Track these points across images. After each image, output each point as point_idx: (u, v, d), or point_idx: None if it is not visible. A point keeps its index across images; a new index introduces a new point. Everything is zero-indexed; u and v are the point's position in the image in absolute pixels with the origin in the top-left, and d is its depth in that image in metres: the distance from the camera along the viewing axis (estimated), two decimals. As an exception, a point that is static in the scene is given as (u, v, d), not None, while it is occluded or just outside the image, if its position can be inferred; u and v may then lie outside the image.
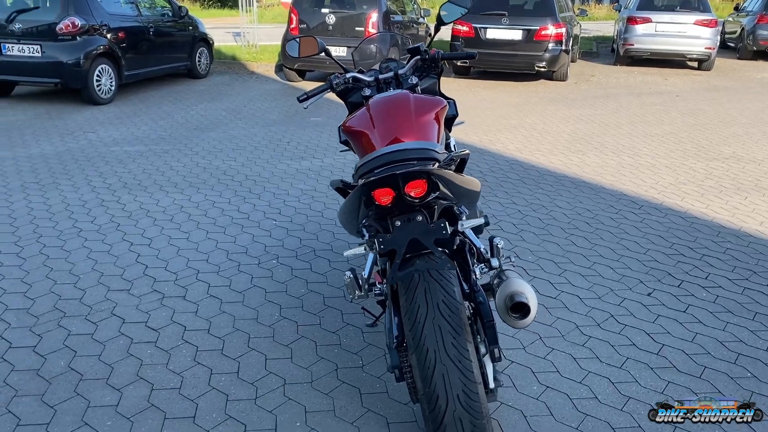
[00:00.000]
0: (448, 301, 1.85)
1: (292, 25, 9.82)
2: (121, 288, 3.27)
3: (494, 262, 2.13)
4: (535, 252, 3.81)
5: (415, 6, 11.88)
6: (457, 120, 3.16)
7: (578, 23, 13.44)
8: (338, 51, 9.45)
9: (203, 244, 3.84)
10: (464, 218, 2.08)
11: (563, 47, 10.20)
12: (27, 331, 2.84)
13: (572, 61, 13.30)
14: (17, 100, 8.29)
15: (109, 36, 8.02)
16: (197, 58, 10.13)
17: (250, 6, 12.82)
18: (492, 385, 2.10)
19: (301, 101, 2.84)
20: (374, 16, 9.50)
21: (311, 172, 5.40)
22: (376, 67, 3.17)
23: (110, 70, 8.08)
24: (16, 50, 7.67)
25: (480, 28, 10.32)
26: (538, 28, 10.09)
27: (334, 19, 9.60)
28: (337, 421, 2.31)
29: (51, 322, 2.92)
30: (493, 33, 10.29)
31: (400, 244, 1.76)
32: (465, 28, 10.41)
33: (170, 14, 9.59)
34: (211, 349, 2.75)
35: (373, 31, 9.50)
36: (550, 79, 10.96)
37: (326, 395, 2.45)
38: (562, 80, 10.88)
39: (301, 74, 10.36)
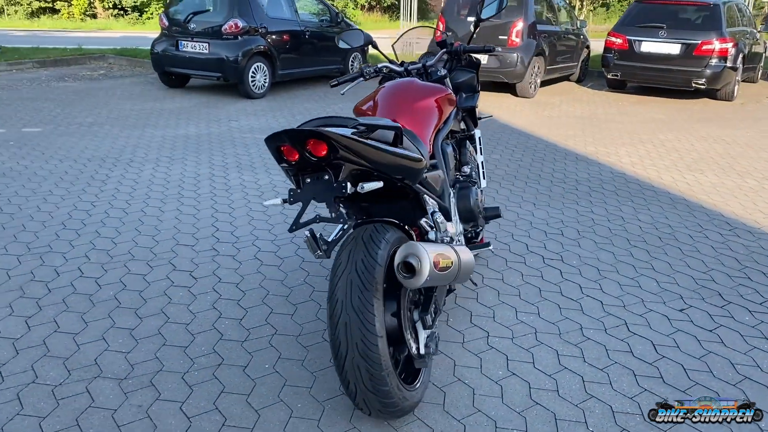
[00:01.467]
0: (366, 260, 2.02)
1: (438, 33, 10.12)
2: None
3: (431, 235, 2.25)
4: (583, 258, 3.73)
5: (572, 16, 11.61)
6: (483, 114, 3.26)
7: (764, 41, 12.23)
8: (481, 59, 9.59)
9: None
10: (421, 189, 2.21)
11: (728, 64, 9.41)
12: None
13: (752, 81, 12.16)
14: (189, 90, 9.49)
15: (267, 37, 8.90)
16: (350, 62, 10.81)
17: (410, 20, 13.35)
18: (422, 351, 2.21)
19: (332, 87, 3.11)
20: (519, 25, 9.50)
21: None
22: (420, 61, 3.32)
23: (265, 67, 8.95)
24: (189, 47, 8.81)
25: (634, 40, 9.87)
26: (699, 42, 9.42)
27: (478, 27, 9.74)
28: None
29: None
30: (648, 46, 9.78)
31: (305, 198, 1.95)
32: (619, 41, 10.02)
33: (328, 19, 10.36)
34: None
35: (517, 40, 9.50)
36: (714, 98, 10.15)
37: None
38: (728, 100, 10.03)
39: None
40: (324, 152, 1.82)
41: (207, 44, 8.67)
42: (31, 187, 4.72)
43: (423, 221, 2.28)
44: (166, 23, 9.23)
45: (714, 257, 3.79)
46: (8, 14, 22.80)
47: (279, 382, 2.46)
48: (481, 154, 3.32)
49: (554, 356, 2.70)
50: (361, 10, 31.35)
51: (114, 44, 14.50)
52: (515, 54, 9.48)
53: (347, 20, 11.09)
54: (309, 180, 1.92)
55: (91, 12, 23.89)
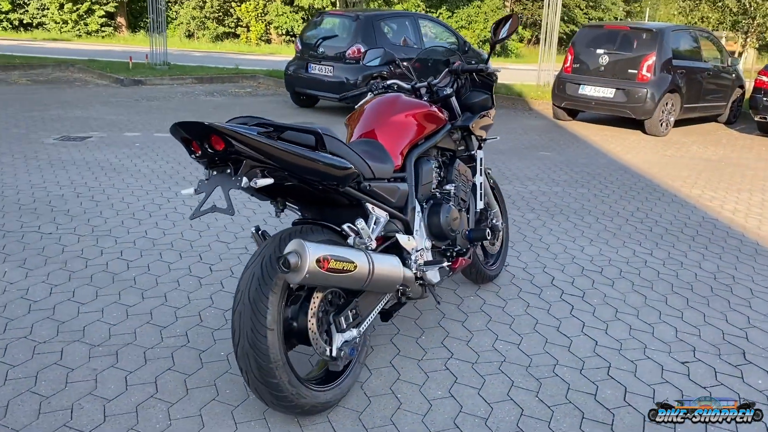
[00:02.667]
0: (273, 256, 2.12)
1: (566, 65, 9.87)
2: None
3: (350, 240, 2.29)
4: (607, 298, 3.50)
5: (722, 52, 10.73)
6: (487, 136, 3.23)
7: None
8: (604, 92, 9.22)
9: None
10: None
11: None
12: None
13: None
14: (316, 110, 10.06)
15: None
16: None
17: (549, 52, 13.13)
18: (334, 353, 2.25)
19: (339, 100, 3.24)
20: (651, 60, 8.99)
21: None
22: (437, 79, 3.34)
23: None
24: (316, 69, 9.40)
25: (787, 79, 8.93)
26: None
27: (607, 60, 9.37)
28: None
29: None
30: (805, 87, 8.80)
31: (207, 189, 2.06)
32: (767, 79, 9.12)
33: (455, 48, 10.51)
34: (227, 291, 3.33)
35: (647, 75, 9.00)
36: None
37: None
38: None
39: (572, 114, 10.29)
40: (221, 147, 1.94)
41: (332, 67, 9.19)
42: (127, 181, 5.34)
43: (345, 226, 2.32)
44: (300, 47, 9.93)
45: (763, 315, 3.37)
46: (197, 37, 25.60)
47: (222, 368, 2.61)
48: (481, 175, 3.26)
49: (506, 386, 2.59)
50: (526, 43, 31.19)
51: (275, 66, 15.73)
52: (645, 89, 8.99)
53: (475, 49, 11.16)
54: (215, 172, 2.05)
55: (266, 38, 26.11)
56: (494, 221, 3.53)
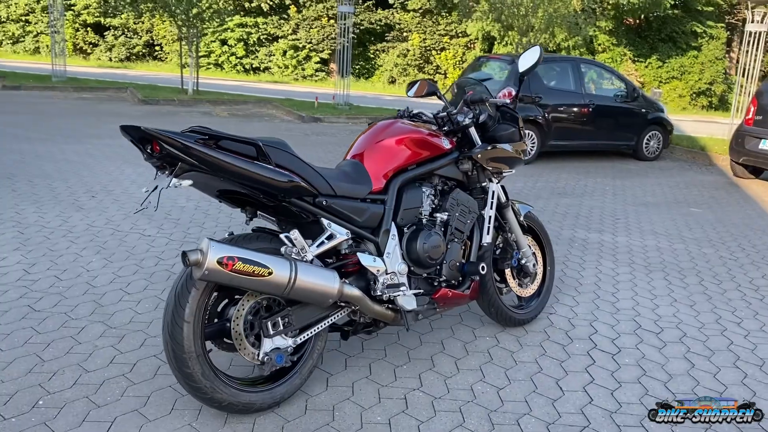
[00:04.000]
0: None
1: (748, 116, 8.86)
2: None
3: (282, 249, 2.37)
4: (644, 359, 3.13)
5: None
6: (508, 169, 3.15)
7: None
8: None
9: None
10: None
11: None
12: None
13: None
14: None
15: (541, 107, 9.07)
16: (645, 140, 10.15)
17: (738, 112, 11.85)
18: (259, 357, 2.35)
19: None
20: None
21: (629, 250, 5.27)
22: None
23: (534, 136, 9.11)
24: (469, 111, 9.51)
25: None
26: None
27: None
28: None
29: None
30: None
31: (151, 187, 2.27)
32: None
33: (623, 95, 9.98)
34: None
35: None
36: None
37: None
38: None
39: (756, 172, 9.16)
40: (157, 150, 2.17)
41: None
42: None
43: (282, 236, 2.41)
44: (455, 90, 10.12)
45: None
46: (399, 83, 27.07)
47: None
48: (492, 208, 3.13)
49: (453, 425, 2.46)
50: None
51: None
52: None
53: (648, 97, 10.46)
54: (159, 173, 2.28)
55: (464, 84, 26.76)
56: (523, 261, 3.36)
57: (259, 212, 2.58)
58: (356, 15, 27.08)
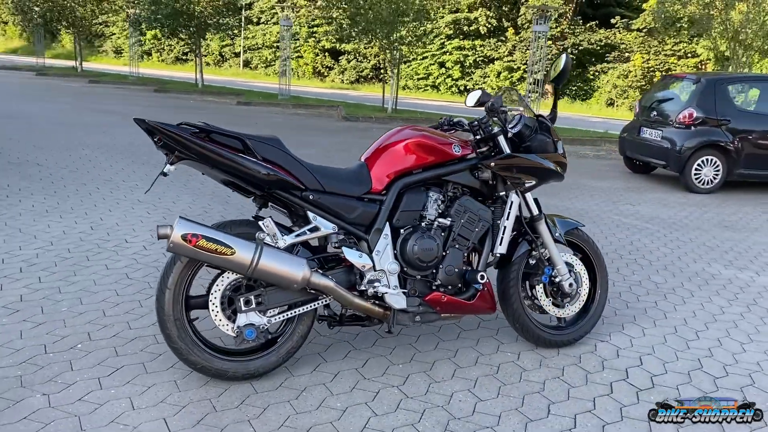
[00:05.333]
0: (196, 234, 2.63)
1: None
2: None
3: (259, 234, 2.60)
4: (646, 392, 2.81)
5: None
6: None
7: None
8: None
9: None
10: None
11: None
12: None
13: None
14: (649, 177, 9.40)
15: (730, 132, 8.12)
16: None
17: None
18: (233, 331, 2.62)
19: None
20: None
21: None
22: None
23: (718, 163, 8.19)
24: (647, 133, 8.87)
25: None
26: None
27: None
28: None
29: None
30: None
31: (160, 173, 2.62)
32: None
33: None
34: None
35: None
36: None
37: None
38: None
39: None
40: (159, 139, 2.55)
41: (660, 132, 8.56)
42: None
43: (260, 222, 2.64)
44: (638, 109, 9.49)
45: None
46: (617, 105, 25.67)
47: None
48: (508, 219, 3.01)
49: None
50: None
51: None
52: None
53: None
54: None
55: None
56: (557, 279, 3.19)
57: (270, 204, 2.86)
58: (575, 35, 26.39)
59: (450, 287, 2.92)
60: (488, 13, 27.17)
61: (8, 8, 28.63)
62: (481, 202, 3.06)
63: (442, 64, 28.23)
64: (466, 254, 2.96)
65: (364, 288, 2.76)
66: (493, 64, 27.42)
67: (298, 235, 2.69)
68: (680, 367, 3.14)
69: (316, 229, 2.71)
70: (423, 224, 2.90)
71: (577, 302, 3.29)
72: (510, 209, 3.04)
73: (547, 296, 3.23)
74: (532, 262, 3.21)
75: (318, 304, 2.77)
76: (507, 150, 3.04)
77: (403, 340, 3.25)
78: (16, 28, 38.27)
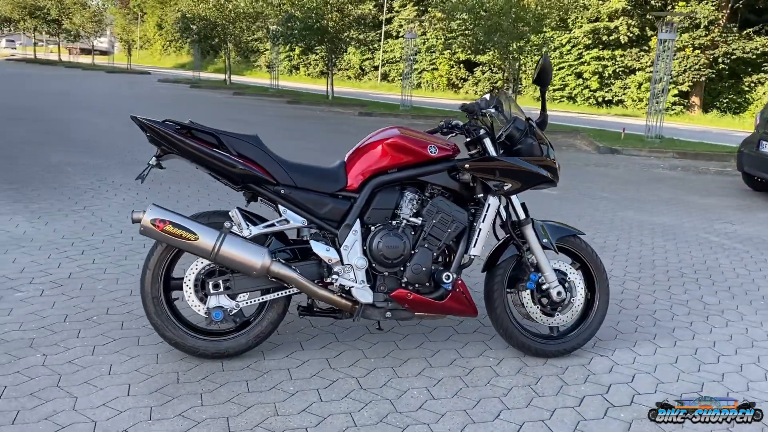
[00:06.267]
0: (179, 222, 2.90)
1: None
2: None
3: (227, 224, 2.79)
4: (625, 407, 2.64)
5: None
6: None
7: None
8: None
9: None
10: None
11: None
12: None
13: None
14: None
15: None
16: None
17: None
18: (202, 311, 2.85)
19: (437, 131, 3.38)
20: None
21: None
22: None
23: None
24: (766, 148, 8.08)
25: None
26: None
27: None
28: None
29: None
30: None
31: (149, 164, 2.89)
32: None
33: None
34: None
35: None
36: None
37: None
38: None
39: None
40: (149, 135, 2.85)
41: (781, 146, 7.78)
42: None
43: (230, 213, 2.83)
44: (758, 122, 8.66)
45: None
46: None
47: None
48: (483, 221, 2.95)
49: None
50: None
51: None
52: None
53: None
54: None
55: None
56: (545, 286, 3.09)
57: (259, 198, 3.06)
58: (728, 44, 24.40)
59: (417, 285, 2.95)
60: (630, 21, 25.87)
61: (176, 27, 31.87)
62: (463, 204, 3.05)
63: (579, 75, 27.30)
64: (436, 254, 2.97)
65: (330, 281, 2.87)
66: (635, 74, 26.06)
67: (266, 227, 2.87)
68: (675, 389, 2.90)
69: (286, 221, 2.87)
70: (393, 223, 2.96)
71: (570, 312, 3.16)
72: (486, 212, 3.00)
73: (534, 303, 3.14)
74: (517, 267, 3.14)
75: (289, 292, 2.91)
76: (492, 152, 3.01)
77: (389, 337, 3.30)
78: (185, 44, 42.34)
